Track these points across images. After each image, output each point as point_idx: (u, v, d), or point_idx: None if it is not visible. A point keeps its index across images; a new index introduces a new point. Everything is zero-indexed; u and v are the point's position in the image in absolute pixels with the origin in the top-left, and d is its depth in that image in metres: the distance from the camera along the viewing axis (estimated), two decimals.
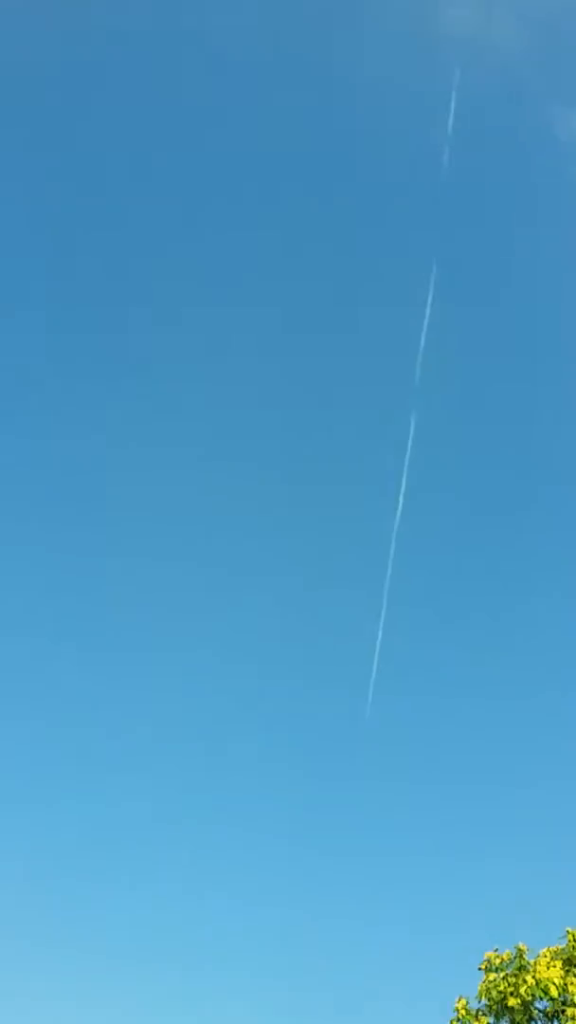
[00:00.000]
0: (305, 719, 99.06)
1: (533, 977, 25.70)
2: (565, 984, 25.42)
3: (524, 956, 26.67)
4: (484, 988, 26.74)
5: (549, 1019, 26.40)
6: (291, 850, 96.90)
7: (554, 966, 25.86)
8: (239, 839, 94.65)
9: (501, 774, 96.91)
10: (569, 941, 26.76)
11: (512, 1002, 25.85)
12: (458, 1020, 26.40)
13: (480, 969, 27.38)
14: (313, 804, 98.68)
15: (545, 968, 25.84)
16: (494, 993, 26.36)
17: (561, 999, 25.36)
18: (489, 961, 27.40)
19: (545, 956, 26.53)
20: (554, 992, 25.29)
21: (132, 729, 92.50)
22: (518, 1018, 26.22)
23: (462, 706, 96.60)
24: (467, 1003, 26.77)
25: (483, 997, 26.70)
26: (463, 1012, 26.51)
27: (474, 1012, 26.57)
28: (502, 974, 26.65)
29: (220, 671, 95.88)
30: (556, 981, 25.37)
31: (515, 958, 26.75)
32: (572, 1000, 25.14)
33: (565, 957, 26.44)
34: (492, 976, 26.84)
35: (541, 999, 25.83)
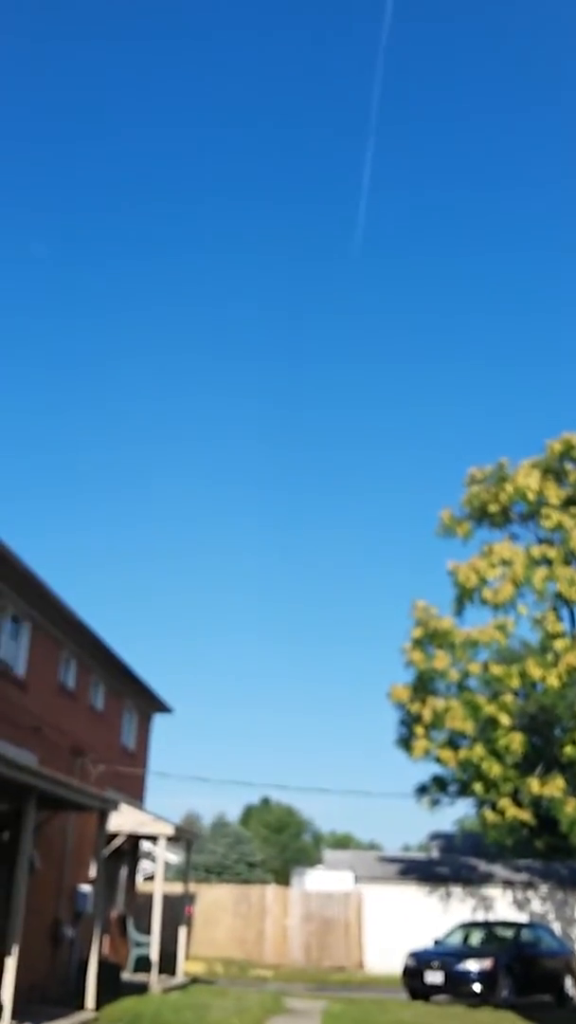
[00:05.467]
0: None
1: (512, 485, 27.62)
2: (541, 489, 27.36)
3: (505, 469, 28.57)
4: (467, 499, 28.97)
5: (525, 520, 28.90)
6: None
7: (532, 475, 27.70)
8: None
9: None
10: (548, 452, 28.37)
11: (492, 508, 28.14)
12: (443, 528, 28.86)
13: (464, 484, 29.43)
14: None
15: (524, 477, 27.75)
16: (476, 502, 28.63)
17: (537, 502, 27.42)
18: (472, 475, 29.39)
19: (524, 467, 28.43)
20: (530, 497, 27.37)
21: None
22: (497, 520, 28.70)
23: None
24: (452, 513, 29.05)
25: (466, 507, 28.96)
26: (448, 521, 28.87)
27: (458, 520, 28.90)
28: (484, 486, 28.61)
29: None
30: (533, 487, 27.33)
31: (496, 471, 28.61)
32: (547, 501, 27.17)
33: (543, 467, 28.22)
34: (475, 488, 28.93)
35: (519, 503, 28.03)
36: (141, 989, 17.85)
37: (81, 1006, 14.11)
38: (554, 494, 27.35)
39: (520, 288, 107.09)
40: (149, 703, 24.96)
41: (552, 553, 26.40)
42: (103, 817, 15.81)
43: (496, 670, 25.58)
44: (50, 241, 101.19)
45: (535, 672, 25.01)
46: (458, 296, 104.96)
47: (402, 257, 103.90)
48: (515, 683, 25.48)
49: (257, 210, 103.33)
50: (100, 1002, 14.58)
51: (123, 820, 18.48)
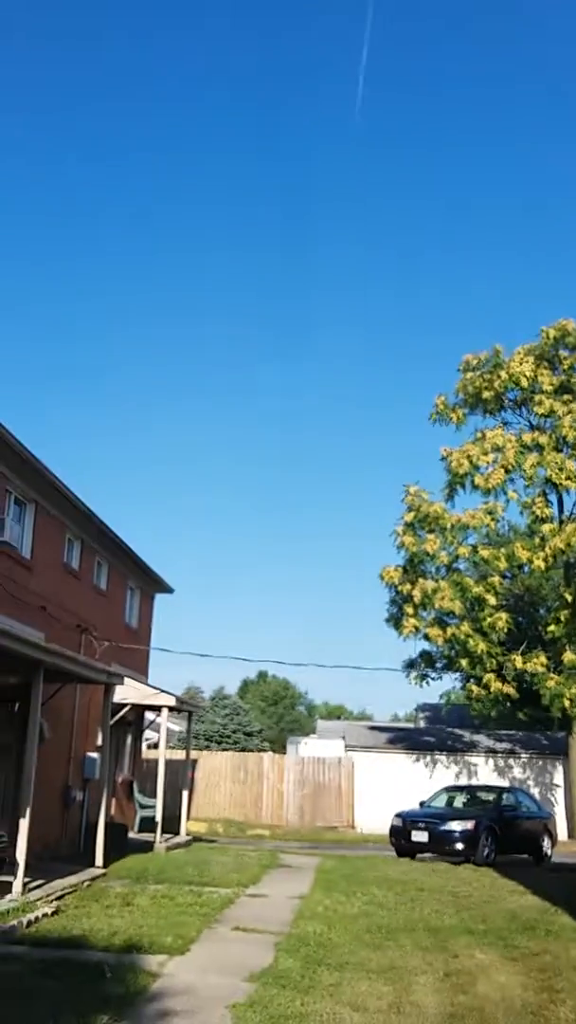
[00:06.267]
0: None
1: (507, 372, 27.83)
2: (536, 375, 27.60)
3: (500, 356, 28.65)
4: (462, 385, 29.18)
5: (518, 406, 29.25)
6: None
7: (527, 362, 27.88)
8: None
9: None
10: (543, 339, 28.45)
11: (486, 395, 28.40)
12: (437, 414, 29.21)
13: (458, 370, 29.58)
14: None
15: (518, 364, 27.92)
16: (470, 389, 28.85)
17: (531, 388, 27.71)
18: (467, 362, 29.51)
19: (519, 353, 28.52)
20: (524, 383, 27.63)
21: None
22: (491, 407, 29.03)
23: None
24: (446, 399, 29.36)
25: (460, 393, 29.21)
26: (442, 407, 29.20)
27: (451, 406, 29.23)
28: (479, 372, 28.79)
29: None
30: (527, 373, 27.55)
31: (491, 358, 28.75)
32: (541, 388, 27.45)
33: (537, 353, 28.37)
34: (469, 375, 29.10)
35: (512, 390, 28.31)
36: (146, 847, 19.00)
37: (91, 863, 15.13)
38: (547, 381, 27.57)
39: (521, 174, 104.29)
40: (151, 584, 25.81)
41: (543, 439, 26.84)
42: (109, 689, 16.65)
43: (485, 553, 26.35)
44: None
45: (522, 555, 25.81)
46: (457, 183, 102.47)
47: (401, 142, 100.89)
48: (502, 565, 26.34)
49: (258, 89, 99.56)
50: (108, 859, 15.57)
51: (128, 692, 19.43)
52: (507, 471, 26.62)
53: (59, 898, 12.00)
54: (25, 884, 11.85)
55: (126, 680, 18.11)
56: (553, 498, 27.74)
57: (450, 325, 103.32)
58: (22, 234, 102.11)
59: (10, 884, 11.64)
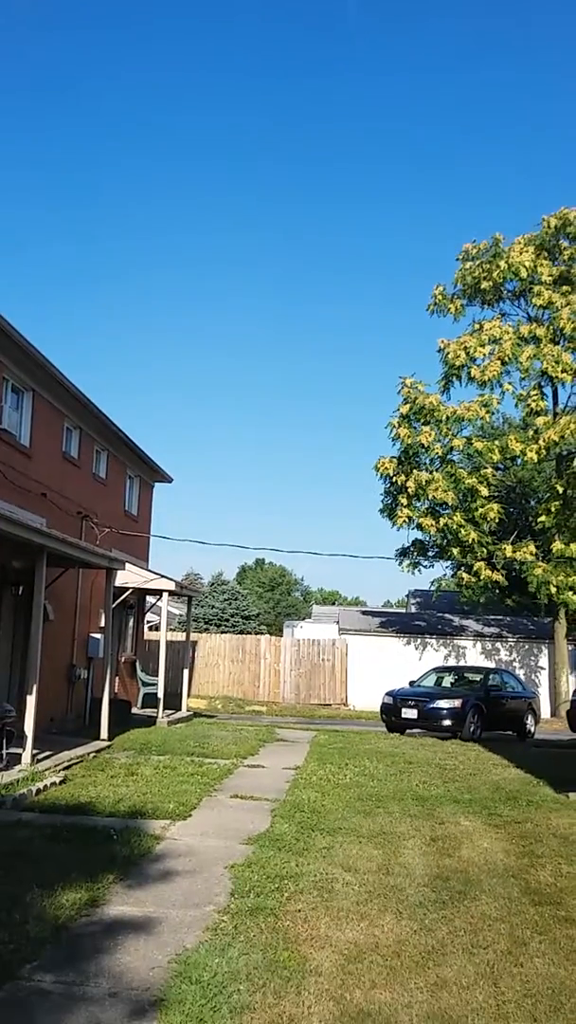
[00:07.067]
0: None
1: (506, 262, 27.48)
2: (535, 266, 27.27)
3: (500, 245, 28.21)
4: (460, 275, 28.83)
5: (516, 297, 28.99)
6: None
7: (526, 251, 27.50)
8: None
9: None
10: (543, 228, 27.97)
11: (485, 285, 28.08)
12: (435, 305, 28.95)
13: (457, 259, 29.20)
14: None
15: (518, 253, 27.53)
16: (469, 279, 28.50)
17: (530, 279, 27.41)
18: (466, 251, 29.08)
19: (519, 243, 28.09)
20: (523, 273, 27.29)
21: None
22: (489, 298, 28.77)
23: None
24: (444, 290, 29.05)
25: (458, 283, 28.88)
26: (440, 298, 28.93)
27: (450, 297, 28.95)
28: (478, 262, 28.41)
29: None
30: (527, 264, 27.20)
31: (491, 247, 28.31)
32: (540, 279, 27.16)
33: (538, 243, 27.94)
34: (468, 264, 28.70)
35: (511, 281, 28.00)
36: (149, 722, 19.76)
37: (96, 736, 15.75)
38: (547, 271, 27.23)
39: (522, 58, 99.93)
40: (150, 473, 25.96)
41: (540, 332, 26.69)
42: (110, 574, 16.97)
43: (479, 445, 26.56)
44: None
45: (515, 447, 26.03)
46: (454, 72, 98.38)
47: (397, 34, 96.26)
48: (496, 457, 26.59)
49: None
50: (112, 733, 16.19)
51: (129, 577, 19.81)
52: (503, 363, 26.60)
53: (66, 768, 12.43)
54: (34, 755, 12.24)
55: (127, 566, 18.51)
56: (548, 391, 27.86)
57: (450, 218, 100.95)
58: None
59: (19, 755, 12.01)
